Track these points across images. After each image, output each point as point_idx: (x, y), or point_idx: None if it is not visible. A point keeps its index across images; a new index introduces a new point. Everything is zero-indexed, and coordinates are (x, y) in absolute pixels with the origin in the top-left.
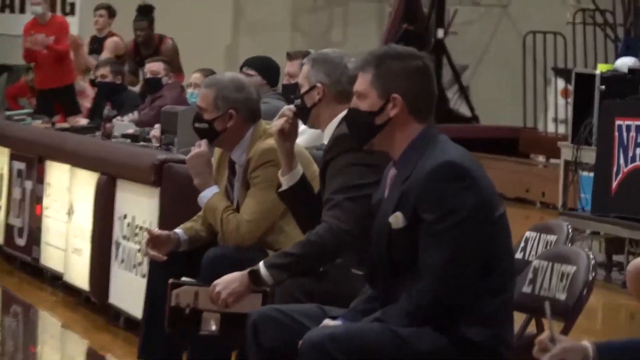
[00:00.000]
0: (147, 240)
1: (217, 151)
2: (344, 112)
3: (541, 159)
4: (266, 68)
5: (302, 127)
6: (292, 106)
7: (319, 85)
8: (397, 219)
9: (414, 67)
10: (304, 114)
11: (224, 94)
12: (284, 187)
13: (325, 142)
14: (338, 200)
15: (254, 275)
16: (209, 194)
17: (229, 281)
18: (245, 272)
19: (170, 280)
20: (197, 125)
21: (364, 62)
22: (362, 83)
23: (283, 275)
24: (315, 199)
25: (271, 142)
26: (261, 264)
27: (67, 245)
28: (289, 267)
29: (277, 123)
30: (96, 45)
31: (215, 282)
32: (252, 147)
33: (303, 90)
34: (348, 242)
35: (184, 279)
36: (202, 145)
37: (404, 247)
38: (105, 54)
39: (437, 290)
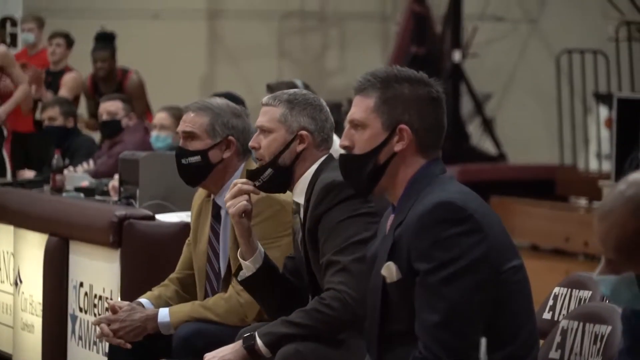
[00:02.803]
0: (105, 319)
1: (199, 196)
2: (321, 160)
3: (583, 202)
4: None
5: None
6: (249, 181)
7: (304, 133)
8: (390, 271)
9: (426, 94)
10: (282, 176)
11: (222, 119)
12: (248, 273)
13: (297, 199)
14: (345, 263)
15: (249, 346)
16: (165, 318)
17: (221, 351)
18: (239, 341)
19: None
20: (185, 161)
21: (364, 84)
22: (362, 110)
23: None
24: (283, 279)
25: None
26: (256, 333)
27: (15, 321)
28: (292, 338)
29: (235, 202)
30: (50, 79)
31: (206, 355)
32: None
33: (276, 137)
34: (362, 312)
35: None
36: (117, 306)
37: (400, 306)
38: (64, 92)
39: (433, 356)
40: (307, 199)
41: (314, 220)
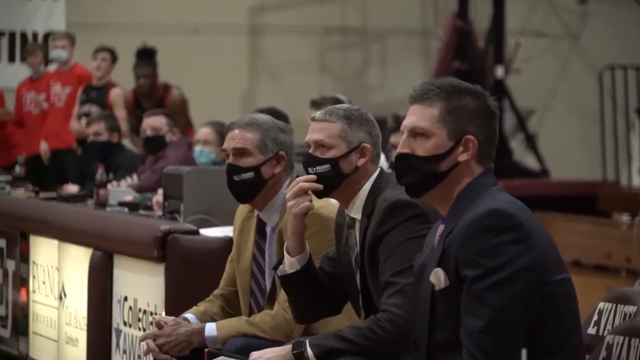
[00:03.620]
0: (152, 335)
1: (241, 212)
2: (375, 175)
3: (625, 218)
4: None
5: None
6: (310, 176)
7: (366, 145)
8: (438, 278)
9: (487, 106)
10: (331, 184)
11: (272, 134)
12: (291, 270)
13: (354, 214)
14: (401, 286)
15: (298, 353)
16: (213, 332)
17: (268, 352)
18: (288, 346)
19: (207, 349)
20: (237, 177)
21: (426, 93)
22: (426, 118)
23: None
24: (321, 283)
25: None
26: (307, 342)
27: (59, 335)
28: (341, 353)
29: (298, 202)
30: (94, 93)
31: (253, 353)
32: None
33: (337, 153)
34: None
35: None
36: (162, 322)
37: (447, 314)
38: (118, 111)
39: None
40: (367, 215)
41: (376, 239)
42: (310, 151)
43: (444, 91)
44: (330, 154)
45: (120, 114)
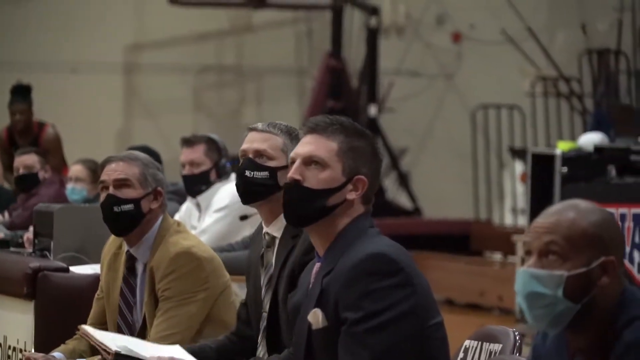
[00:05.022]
0: None
1: (108, 249)
2: None
3: (497, 256)
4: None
5: (204, 224)
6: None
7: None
8: (316, 318)
9: (376, 149)
10: (265, 192)
11: (150, 170)
12: None
13: (275, 232)
14: None
15: None
16: None
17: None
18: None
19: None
20: (117, 208)
21: (328, 126)
22: (325, 150)
23: None
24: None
25: (184, 242)
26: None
27: None
28: None
29: None
30: None
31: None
32: (159, 244)
33: (277, 164)
34: None
35: None
36: (33, 358)
37: (323, 354)
38: None
39: None
40: (293, 236)
41: (301, 265)
42: (250, 157)
43: (346, 129)
44: (270, 164)
45: None
